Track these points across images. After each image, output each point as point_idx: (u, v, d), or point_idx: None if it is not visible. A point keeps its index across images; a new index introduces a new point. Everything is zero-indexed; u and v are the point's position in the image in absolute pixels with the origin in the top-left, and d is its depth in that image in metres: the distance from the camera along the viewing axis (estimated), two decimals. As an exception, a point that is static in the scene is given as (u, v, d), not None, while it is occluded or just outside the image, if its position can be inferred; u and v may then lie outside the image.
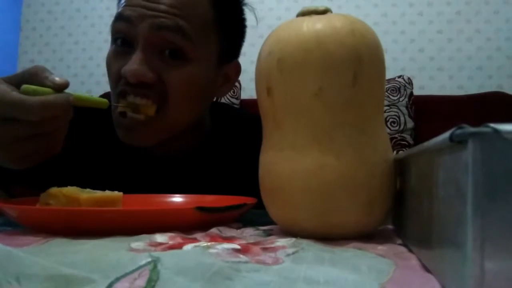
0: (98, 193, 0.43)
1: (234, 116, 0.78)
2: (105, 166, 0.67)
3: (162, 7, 0.58)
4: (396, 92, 1.84)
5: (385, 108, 1.79)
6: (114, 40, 0.62)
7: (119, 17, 0.61)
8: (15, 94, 0.42)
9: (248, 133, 0.66)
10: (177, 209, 0.46)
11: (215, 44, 0.64)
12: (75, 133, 0.68)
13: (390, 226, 0.43)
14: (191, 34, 0.59)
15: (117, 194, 0.44)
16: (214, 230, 0.38)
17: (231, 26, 0.66)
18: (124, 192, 0.45)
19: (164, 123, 0.60)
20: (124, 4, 0.61)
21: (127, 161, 0.68)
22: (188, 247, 0.31)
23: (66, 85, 0.45)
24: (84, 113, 0.71)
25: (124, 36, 0.60)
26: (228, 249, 0.30)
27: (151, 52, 0.58)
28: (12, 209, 0.39)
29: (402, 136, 1.80)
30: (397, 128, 1.80)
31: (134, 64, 0.56)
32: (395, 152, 1.68)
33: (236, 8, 0.67)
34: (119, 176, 0.64)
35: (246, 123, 0.72)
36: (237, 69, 0.70)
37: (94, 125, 0.70)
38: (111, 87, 0.62)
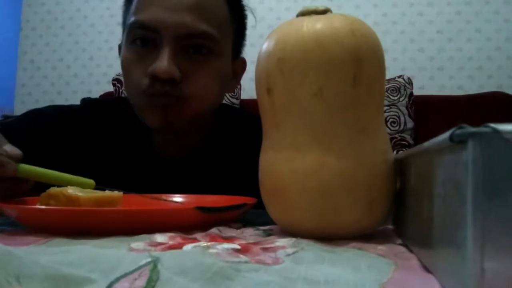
0: (98, 193, 0.43)
1: (235, 116, 0.78)
2: (110, 167, 0.67)
3: (184, 9, 0.59)
4: (396, 92, 1.84)
5: (385, 108, 1.79)
6: (132, 41, 0.62)
7: (139, 24, 0.61)
8: None
9: (248, 133, 0.66)
10: (177, 209, 0.46)
11: (230, 40, 0.67)
12: (83, 134, 0.69)
13: (390, 226, 0.43)
14: (215, 34, 0.61)
15: (117, 194, 0.44)
16: (214, 230, 0.38)
17: (240, 23, 0.69)
18: (129, 192, 0.45)
19: (190, 108, 0.62)
20: (143, 6, 0.61)
21: (131, 162, 0.68)
22: (188, 247, 0.31)
23: (17, 157, 0.46)
24: (87, 114, 0.71)
25: (145, 38, 0.61)
26: (228, 249, 0.30)
27: (178, 51, 0.60)
28: (12, 209, 0.39)
29: (402, 136, 1.80)
30: (397, 128, 1.81)
31: (163, 61, 0.58)
32: (395, 152, 1.68)
33: (242, 5, 0.70)
34: (124, 176, 0.65)
35: (246, 123, 0.73)
36: (244, 66, 0.73)
37: (100, 126, 0.70)
38: (133, 87, 0.62)
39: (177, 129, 0.63)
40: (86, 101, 0.76)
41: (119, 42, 0.70)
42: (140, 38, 0.61)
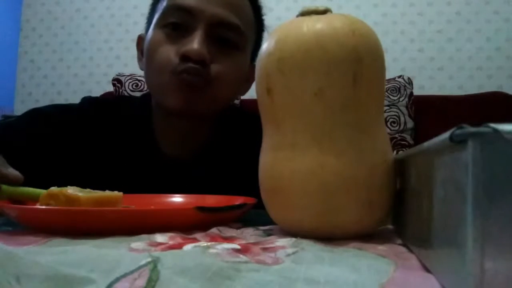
0: (98, 193, 0.43)
1: (235, 116, 0.78)
2: (113, 166, 0.67)
3: (222, 3, 0.64)
4: (396, 92, 1.84)
5: (385, 108, 1.79)
6: (164, 25, 0.64)
7: (177, 6, 0.64)
8: None
9: (248, 132, 0.66)
10: (177, 209, 0.46)
11: (252, 44, 0.71)
12: (85, 133, 0.69)
13: (390, 226, 0.43)
14: (243, 30, 0.66)
15: (117, 194, 0.44)
16: (214, 230, 0.38)
17: (260, 32, 0.73)
18: (131, 192, 0.45)
19: (213, 94, 0.64)
20: None
21: (135, 162, 0.68)
22: (188, 247, 0.31)
23: (18, 181, 0.46)
24: (89, 113, 0.71)
25: (179, 22, 0.64)
26: (228, 249, 0.30)
27: (208, 38, 0.63)
28: (12, 209, 0.39)
29: (402, 136, 1.80)
30: (397, 128, 1.80)
31: (196, 43, 0.61)
32: (395, 152, 1.68)
33: (262, 17, 0.75)
34: (127, 176, 0.65)
35: (246, 122, 0.73)
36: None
37: (103, 126, 0.70)
38: (161, 66, 0.63)
39: (196, 114, 0.65)
40: (87, 100, 0.75)
41: (141, 34, 0.72)
42: (172, 22, 0.64)
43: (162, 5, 0.65)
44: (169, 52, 0.63)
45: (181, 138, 0.69)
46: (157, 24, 0.65)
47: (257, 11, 0.72)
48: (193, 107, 0.63)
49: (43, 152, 0.65)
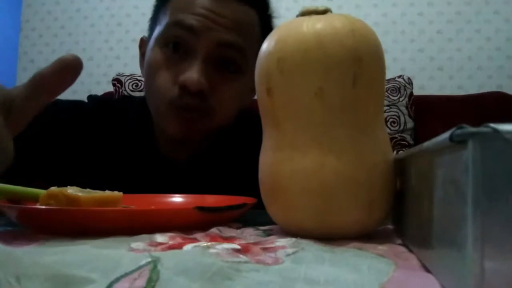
0: (98, 193, 0.43)
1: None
2: (114, 166, 0.67)
3: (227, 22, 0.60)
4: (396, 92, 1.84)
5: (385, 108, 1.79)
6: (164, 44, 0.62)
7: (179, 24, 0.60)
8: None
9: (248, 132, 0.66)
10: (177, 209, 0.46)
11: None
12: (90, 132, 0.69)
13: (390, 226, 0.43)
14: (248, 52, 0.62)
15: (117, 194, 0.44)
16: (214, 230, 0.38)
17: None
18: (130, 192, 0.45)
19: (213, 122, 0.63)
20: (186, 10, 0.61)
21: (136, 162, 0.68)
22: (188, 247, 0.31)
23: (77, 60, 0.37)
24: (96, 112, 0.71)
25: (179, 42, 0.61)
26: (228, 249, 0.30)
27: (209, 63, 0.60)
28: (12, 209, 0.39)
29: (402, 136, 1.80)
30: (397, 128, 1.80)
31: (195, 73, 0.58)
32: (395, 152, 1.68)
33: (272, 27, 0.70)
34: (128, 176, 0.65)
35: (246, 122, 0.73)
36: None
37: (107, 126, 0.70)
38: (160, 94, 0.62)
39: (195, 140, 0.64)
40: (93, 99, 0.75)
41: (143, 36, 0.71)
42: (174, 40, 0.61)
43: (165, 19, 0.63)
44: (168, 79, 0.61)
45: (180, 141, 0.69)
46: (158, 41, 0.63)
47: (265, 23, 0.68)
48: (192, 134, 0.62)
49: (49, 146, 0.65)
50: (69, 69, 0.36)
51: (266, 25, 0.68)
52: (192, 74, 0.58)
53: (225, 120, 0.65)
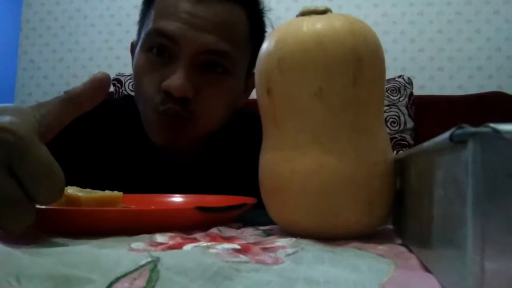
0: (98, 193, 0.43)
1: (235, 116, 0.78)
2: (114, 168, 0.67)
3: (209, 26, 0.58)
4: (396, 92, 1.84)
5: (385, 108, 1.79)
6: (149, 48, 0.61)
7: (161, 32, 0.59)
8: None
9: (248, 132, 0.66)
10: (177, 209, 0.46)
11: (248, 58, 0.66)
12: (93, 133, 0.69)
13: (390, 226, 0.43)
14: (233, 55, 0.61)
15: (117, 194, 0.44)
16: (214, 230, 0.38)
17: (259, 40, 0.68)
18: (130, 192, 0.45)
19: (198, 129, 0.62)
20: (167, 15, 0.60)
21: (135, 163, 0.68)
22: (188, 247, 0.31)
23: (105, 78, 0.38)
24: (98, 113, 0.71)
25: (163, 47, 0.60)
26: (228, 249, 0.30)
27: (193, 67, 0.59)
28: (12, 209, 0.39)
29: (402, 136, 1.80)
30: (397, 128, 1.80)
31: (178, 79, 0.57)
32: (395, 152, 1.68)
33: (263, 22, 0.69)
34: (127, 177, 0.65)
35: (246, 122, 0.73)
36: None
37: (108, 127, 0.70)
38: (145, 100, 0.61)
39: (181, 148, 0.63)
40: None
41: (133, 41, 0.70)
42: (157, 46, 0.60)
43: (149, 23, 0.62)
44: (152, 85, 0.60)
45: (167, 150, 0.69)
46: (143, 46, 0.62)
47: (254, 19, 0.67)
48: (178, 143, 0.62)
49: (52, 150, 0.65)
50: (102, 87, 0.37)
51: (256, 22, 0.67)
52: (175, 79, 0.57)
53: (211, 126, 0.64)
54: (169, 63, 0.59)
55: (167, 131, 0.60)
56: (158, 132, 0.61)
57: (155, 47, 0.61)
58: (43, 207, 0.40)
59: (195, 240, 0.35)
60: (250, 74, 0.69)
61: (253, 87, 0.72)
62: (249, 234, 0.38)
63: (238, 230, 0.40)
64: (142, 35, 0.63)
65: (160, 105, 0.59)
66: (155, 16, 0.61)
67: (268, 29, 0.72)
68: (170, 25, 0.59)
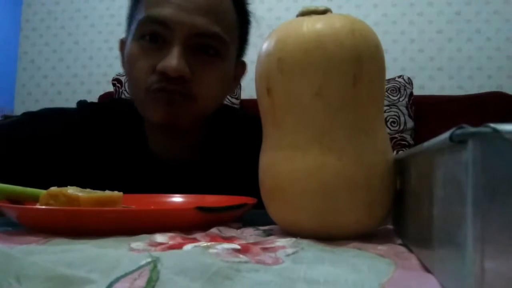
0: (98, 193, 0.43)
1: (235, 117, 0.78)
2: (108, 170, 0.67)
3: (201, 10, 0.60)
4: (396, 92, 1.84)
5: (385, 108, 1.79)
6: (141, 36, 0.62)
7: (152, 19, 0.60)
8: None
9: (248, 133, 0.66)
10: (177, 209, 0.46)
11: (236, 43, 0.68)
12: (81, 138, 0.69)
13: (390, 226, 0.43)
14: (224, 37, 0.62)
15: (117, 194, 0.44)
16: (214, 230, 0.38)
17: (245, 28, 0.70)
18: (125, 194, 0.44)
19: (197, 109, 0.63)
20: (157, 2, 0.61)
21: (129, 164, 0.68)
22: (188, 247, 0.31)
23: None
24: (86, 118, 0.71)
25: (155, 34, 0.61)
26: (228, 249, 0.30)
27: (186, 50, 0.60)
28: (12, 209, 0.39)
29: (402, 136, 1.80)
30: (397, 128, 1.81)
31: (173, 59, 0.58)
32: (395, 152, 1.68)
33: (247, 11, 0.71)
34: (122, 179, 0.64)
35: (246, 123, 0.73)
36: (244, 69, 0.74)
37: (98, 130, 0.70)
38: (138, 83, 0.62)
39: (180, 126, 0.63)
40: (82, 104, 0.75)
41: (122, 38, 0.70)
42: (149, 33, 0.61)
43: (139, 15, 0.63)
44: (145, 68, 0.60)
45: (171, 141, 0.69)
46: (134, 36, 0.63)
47: (240, 8, 0.68)
48: (175, 120, 0.62)
49: (38, 159, 0.65)
50: None
51: (241, 9, 0.69)
52: (171, 59, 0.58)
53: (209, 106, 0.65)
54: (162, 47, 0.60)
55: (163, 106, 0.60)
56: (154, 109, 0.61)
57: (147, 35, 0.61)
58: (43, 207, 0.40)
59: (195, 240, 0.35)
60: (238, 63, 0.71)
61: (241, 76, 0.74)
62: (249, 234, 0.38)
63: (238, 230, 0.40)
64: (133, 27, 0.64)
65: (154, 84, 0.60)
66: (146, 6, 0.62)
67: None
68: (162, 11, 0.60)
